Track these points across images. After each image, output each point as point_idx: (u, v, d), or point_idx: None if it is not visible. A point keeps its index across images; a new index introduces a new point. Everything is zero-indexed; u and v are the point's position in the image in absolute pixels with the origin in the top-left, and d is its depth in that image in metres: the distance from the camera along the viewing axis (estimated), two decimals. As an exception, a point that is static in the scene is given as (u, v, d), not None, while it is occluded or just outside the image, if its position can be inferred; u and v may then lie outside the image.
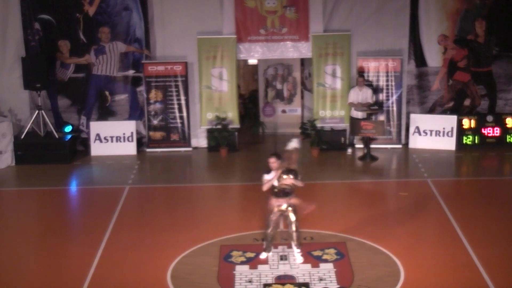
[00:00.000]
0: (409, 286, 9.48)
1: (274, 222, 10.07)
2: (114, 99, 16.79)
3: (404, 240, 11.03)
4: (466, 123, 16.47)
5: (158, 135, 16.76)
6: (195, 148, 16.85)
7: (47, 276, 10.05)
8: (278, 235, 10.68)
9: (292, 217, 10.01)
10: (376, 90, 16.39)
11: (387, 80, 16.45)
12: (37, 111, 16.13)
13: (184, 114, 16.67)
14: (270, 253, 10.31)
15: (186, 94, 16.59)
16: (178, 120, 16.68)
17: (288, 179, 9.76)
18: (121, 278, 9.87)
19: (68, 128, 16.50)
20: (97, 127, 16.51)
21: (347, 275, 9.81)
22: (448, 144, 16.29)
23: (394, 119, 16.59)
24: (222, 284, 9.61)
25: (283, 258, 10.36)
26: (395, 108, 16.53)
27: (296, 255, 10.20)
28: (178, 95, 16.59)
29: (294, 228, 10.08)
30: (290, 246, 10.49)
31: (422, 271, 9.91)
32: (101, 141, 16.45)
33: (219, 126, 16.47)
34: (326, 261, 10.24)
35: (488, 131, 16.47)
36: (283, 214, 10.05)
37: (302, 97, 18.15)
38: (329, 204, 11.92)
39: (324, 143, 16.36)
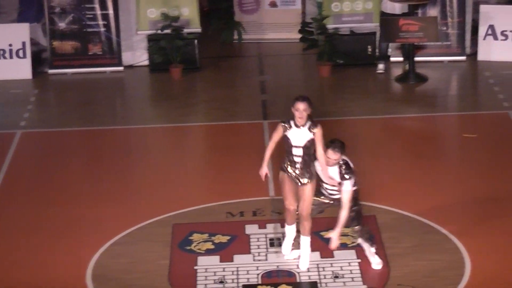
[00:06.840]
0: (479, 285, 9.51)
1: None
2: (-8, -13, 16.73)
3: (471, 212, 11.08)
4: None
5: (68, 46, 16.64)
6: (130, 66, 16.82)
7: None
8: (269, 205, 10.75)
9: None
10: (424, -34, 16.32)
11: (443, -51, 16.43)
12: None
13: (110, 11, 16.54)
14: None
15: (113, -22, 16.54)
16: (101, 22, 16.57)
17: None
18: (9, 282, 9.83)
19: None
20: (-35, 35, 16.42)
21: (379, 268, 9.83)
22: (542, 54, 16.42)
23: (454, 15, 16.54)
24: (177, 287, 9.65)
25: (274, 243, 10.39)
26: (455, -4, 16.54)
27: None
28: (99, -21, 16.52)
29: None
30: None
31: (500, 261, 9.93)
32: (-27, 58, 16.40)
33: (168, 31, 16.38)
34: (344, 246, 10.24)
35: None
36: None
37: (304, -19, 18.09)
38: (349, 153, 11.88)
39: (340, 56, 16.29)
